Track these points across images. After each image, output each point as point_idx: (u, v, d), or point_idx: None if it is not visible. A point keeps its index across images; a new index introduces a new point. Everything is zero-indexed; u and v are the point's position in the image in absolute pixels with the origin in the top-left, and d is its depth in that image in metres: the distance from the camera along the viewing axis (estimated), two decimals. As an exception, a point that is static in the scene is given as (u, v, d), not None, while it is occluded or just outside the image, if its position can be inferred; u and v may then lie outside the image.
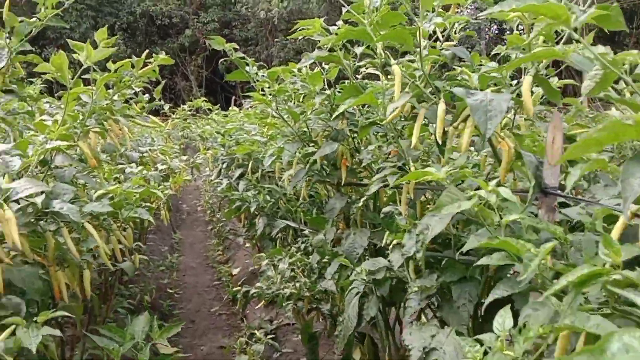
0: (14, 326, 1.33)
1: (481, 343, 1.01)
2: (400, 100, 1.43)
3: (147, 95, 2.72)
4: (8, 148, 1.72)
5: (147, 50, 2.29)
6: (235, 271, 7.05)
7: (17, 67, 2.51)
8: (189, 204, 12.88)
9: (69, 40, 1.83)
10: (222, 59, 2.72)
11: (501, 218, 1.13)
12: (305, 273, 2.71)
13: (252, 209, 3.99)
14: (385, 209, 1.89)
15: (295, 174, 2.42)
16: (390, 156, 2.17)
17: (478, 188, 1.36)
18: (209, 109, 5.69)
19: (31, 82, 3.21)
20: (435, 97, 1.43)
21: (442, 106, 1.37)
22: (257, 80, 2.73)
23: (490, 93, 1.24)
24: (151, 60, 2.27)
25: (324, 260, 2.37)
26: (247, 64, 2.74)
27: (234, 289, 3.00)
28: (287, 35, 1.97)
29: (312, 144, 2.44)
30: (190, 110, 6.22)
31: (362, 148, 2.50)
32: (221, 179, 5.52)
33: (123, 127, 2.13)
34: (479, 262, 1.13)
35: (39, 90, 3.12)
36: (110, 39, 1.81)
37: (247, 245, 6.97)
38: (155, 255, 7.64)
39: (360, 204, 2.03)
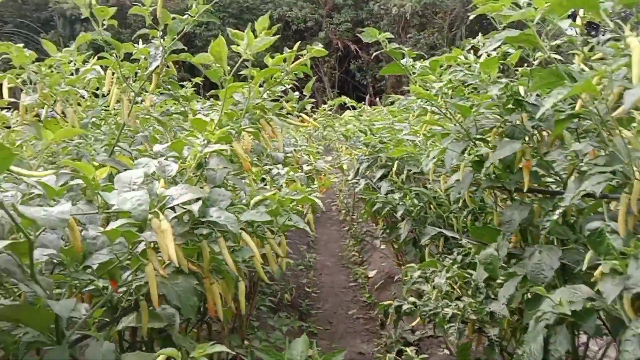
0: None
1: None
2: (646, 83, 1.05)
3: (296, 93, 2.57)
4: (164, 148, 1.64)
5: (298, 42, 2.11)
6: (371, 274, 6.86)
7: (170, 67, 2.48)
8: (323, 202, 13.00)
9: (228, 29, 1.70)
10: (377, 51, 2.48)
11: None
12: (468, 291, 2.37)
13: (398, 214, 3.71)
14: (592, 225, 1.50)
15: (463, 179, 2.08)
16: (589, 158, 1.75)
17: None
18: (352, 106, 5.54)
19: (182, 87, 3.25)
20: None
21: None
22: (414, 73, 2.44)
23: None
24: (303, 52, 2.09)
25: (498, 281, 2.01)
26: (404, 55, 2.47)
27: (385, 303, 2.76)
28: (470, 10, 1.66)
29: (482, 143, 2.09)
30: (330, 110, 6.16)
31: (543, 147, 2.10)
32: (358, 179, 5.34)
33: (275, 127, 1.97)
34: None
35: (191, 91, 3.14)
36: (272, 28, 1.64)
37: (383, 247, 6.73)
38: (293, 253, 7.72)
39: (555, 217, 1.65)
